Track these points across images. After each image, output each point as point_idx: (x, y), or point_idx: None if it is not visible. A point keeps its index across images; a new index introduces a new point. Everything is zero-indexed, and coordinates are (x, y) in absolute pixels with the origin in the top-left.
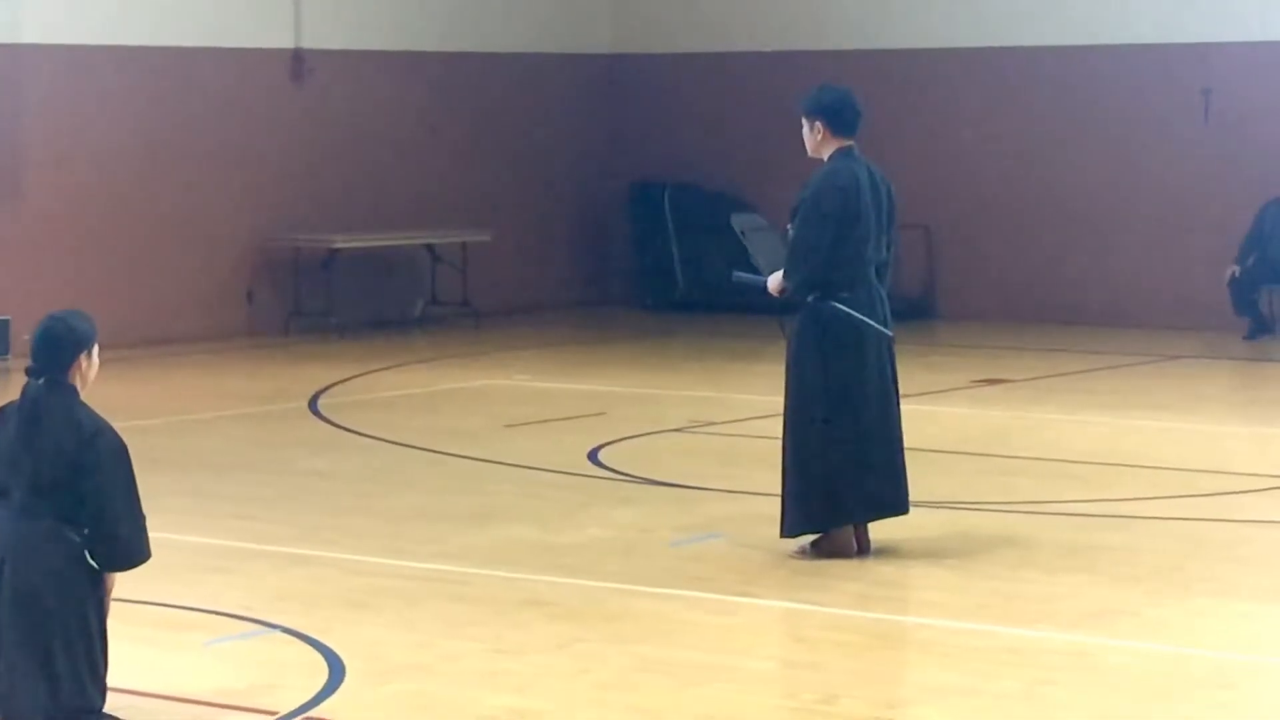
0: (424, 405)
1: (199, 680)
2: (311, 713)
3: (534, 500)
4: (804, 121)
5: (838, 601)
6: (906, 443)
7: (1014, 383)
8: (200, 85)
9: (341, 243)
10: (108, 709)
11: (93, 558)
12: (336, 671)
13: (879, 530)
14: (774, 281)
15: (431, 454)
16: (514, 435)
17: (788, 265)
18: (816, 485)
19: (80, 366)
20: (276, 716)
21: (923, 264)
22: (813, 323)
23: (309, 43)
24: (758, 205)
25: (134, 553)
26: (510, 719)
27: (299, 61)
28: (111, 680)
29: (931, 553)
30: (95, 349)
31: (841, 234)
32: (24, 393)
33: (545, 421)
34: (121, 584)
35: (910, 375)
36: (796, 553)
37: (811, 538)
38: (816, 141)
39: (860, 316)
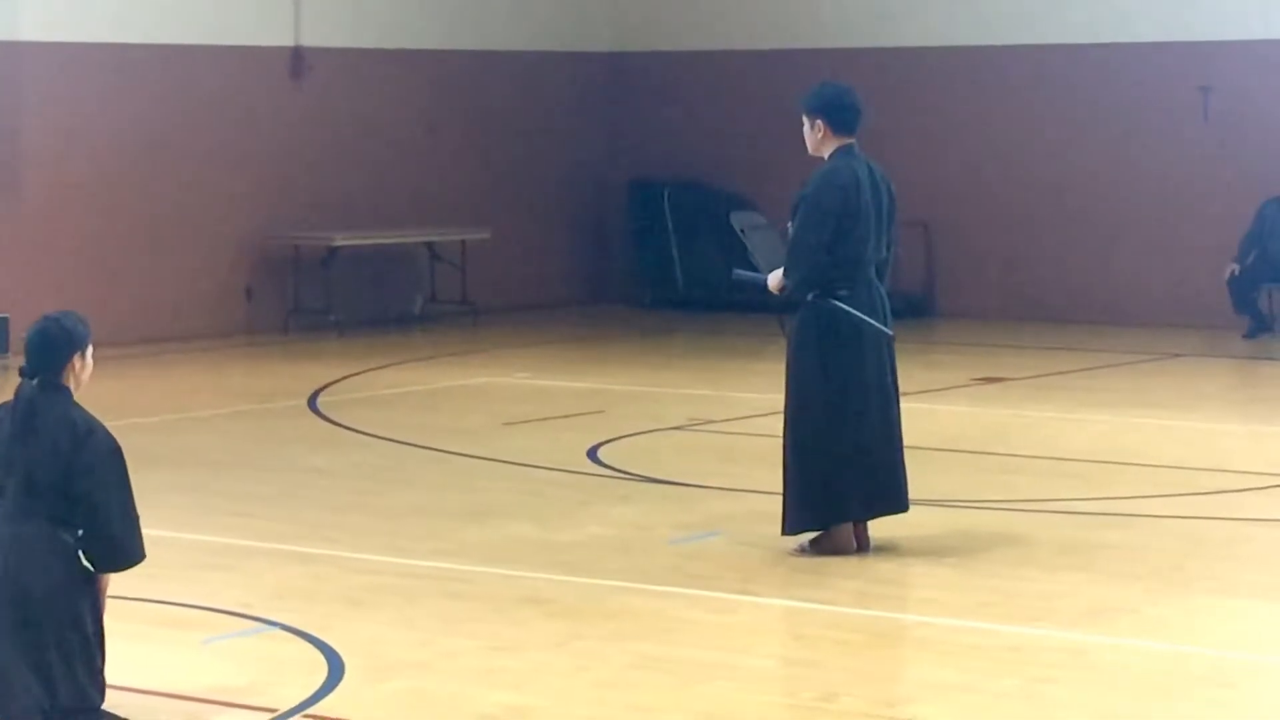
0: (423, 403)
1: (198, 677)
2: (310, 710)
3: (533, 498)
4: (804, 119)
5: (837, 599)
6: (906, 441)
7: (1013, 381)
8: (200, 83)
9: (341, 240)
10: (106, 706)
11: (87, 559)
12: (335, 669)
13: (878, 528)
14: (774, 279)
15: (431, 452)
16: (513, 433)
17: (787, 263)
18: (816, 483)
19: (74, 367)
20: (275, 714)
21: (922, 262)
22: (812, 321)
23: (309, 41)
24: (757, 203)
25: (128, 554)
26: (509, 716)
27: (299, 59)
28: (110, 678)
29: (931, 551)
30: (89, 350)
31: (841, 232)
32: (17, 393)
33: (544, 419)
34: (120, 581)
35: (910, 373)
36: (796, 550)
37: (811, 535)
38: (817, 140)
39: (860, 315)
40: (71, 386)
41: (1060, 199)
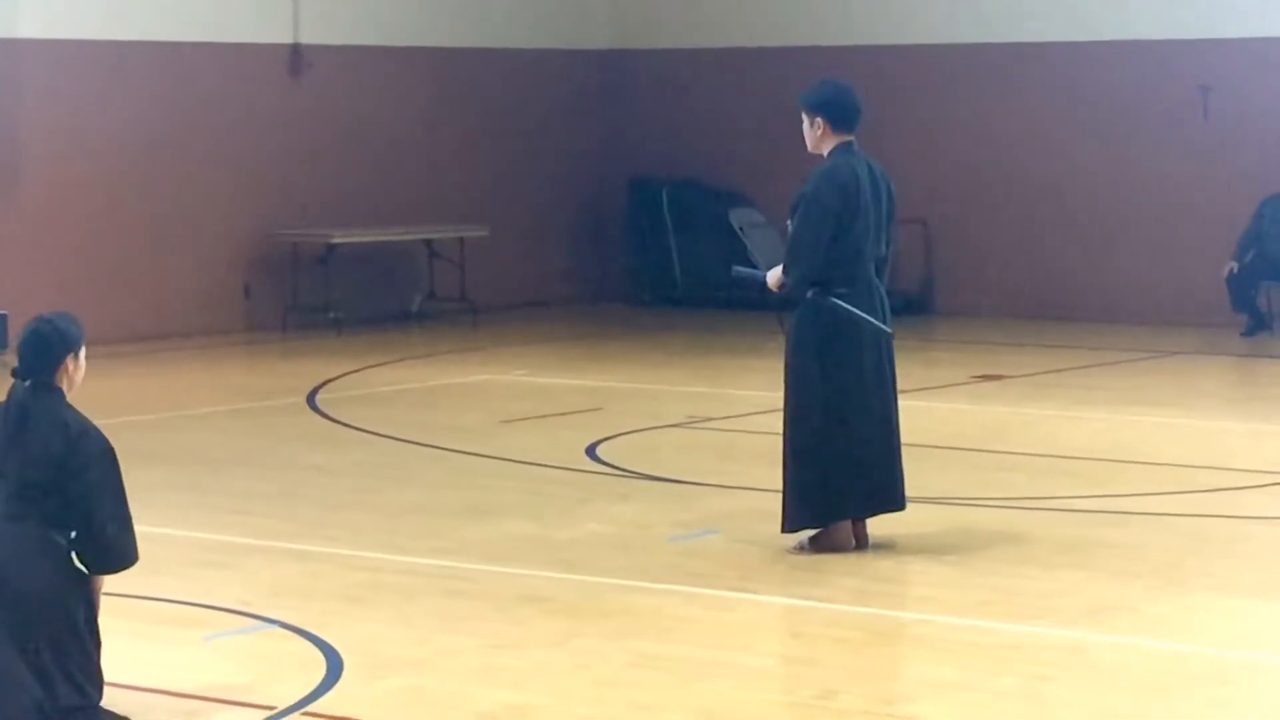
0: (422, 400)
1: (196, 675)
2: (309, 708)
3: (532, 496)
4: (804, 117)
5: (836, 597)
6: (905, 438)
7: (1012, 378)
8: (199, 81)
9: (339, 238)
10: (104, 704)
11: (80, 560)
12: (334, 666)
13: (877, 526)
14: (773, 277)
15: (429, 449)
16: (512, 431)
17: (787, 261)
18: (815, 480)
19: (67, 369)
20: (273, 711)
21: (921, 260)
22: (811, 318)
23: (307, 38)
24: (756, 201)
25: (122, 555)
26: (508, 714)
27: (297, 57)
28: (108, 675)
29: (929, 548)
30: (82, 351)
31: (841, 230)
32: (10, 395)
33: (543, 417)
34: (118, 579)
35: (908, 371)
36: (795, 548)
37: (811, 533)
38: (816, 137)
39: (859, 313)
40: (64, 388)
41: (1059, 197)
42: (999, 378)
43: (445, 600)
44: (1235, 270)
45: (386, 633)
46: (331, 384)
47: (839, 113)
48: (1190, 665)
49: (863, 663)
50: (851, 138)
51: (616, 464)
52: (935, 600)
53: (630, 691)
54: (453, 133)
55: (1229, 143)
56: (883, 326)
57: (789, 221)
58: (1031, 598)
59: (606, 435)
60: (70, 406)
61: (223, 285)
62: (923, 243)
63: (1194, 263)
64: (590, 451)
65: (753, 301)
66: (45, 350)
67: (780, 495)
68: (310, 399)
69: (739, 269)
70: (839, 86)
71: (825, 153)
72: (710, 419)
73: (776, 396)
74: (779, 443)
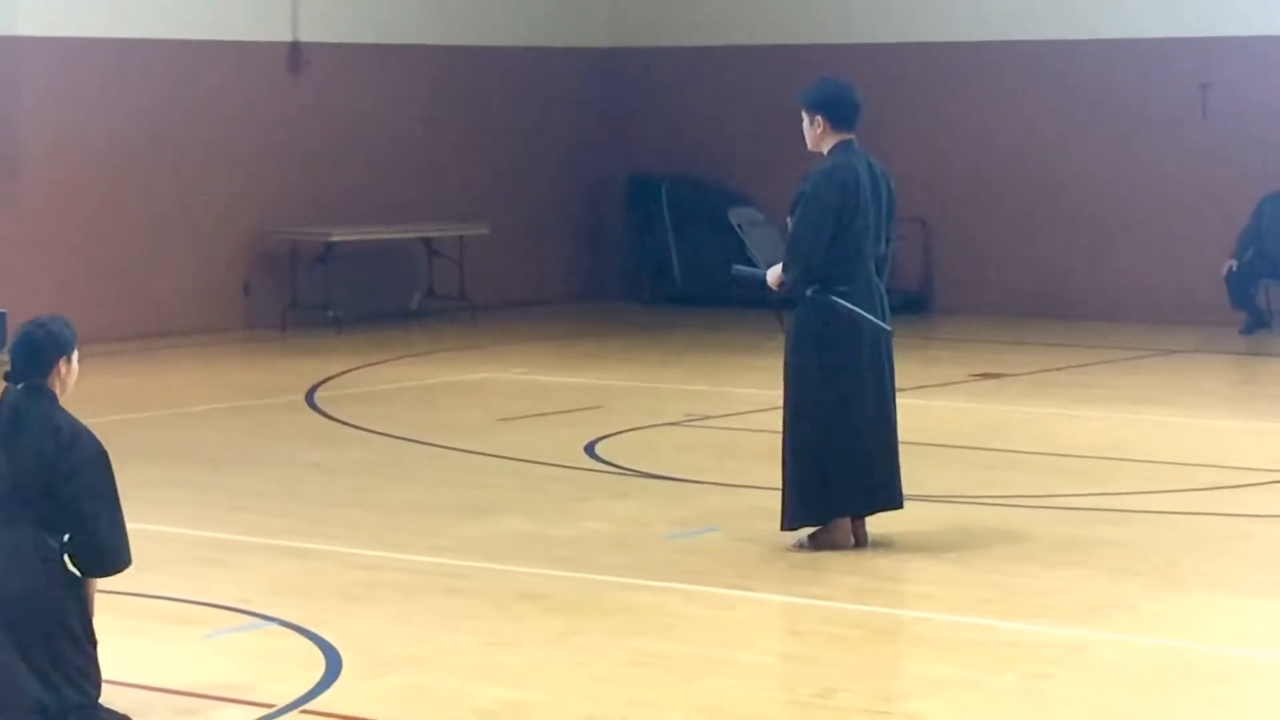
0: (421, 398)
1: (195, 673)
2: (307, 705)
3: (531, 494)
4: (804, 115)
5: (835, 595)
6: (903, 436)
7: (1011, 377)
8: (198, 79)
9: (338, 236)
10: (103, 701)
11: (73, 563)
12: (333, 664)
13: (876, 524)
14: (772, 275)
15: (428, 447)
16: (511, 429)
17: (786, 259)
18: (815, 478)
19: (60, 372)
20: (273, 709)
21: (920, 258)
22: (811, 316)
23: (307, 36)
24: (756, 199)
25: (114, 558)
26: (507, 712)
27: (297, 54)
28: (107, 673)
29: (929, 547)
30: (75, 355)
31: (840, 228)
32: (3, 398)
33: (542, 415)
34: (118, 577)
35: (907, 369)
36: (794, 546)
37: (810, 531)
38: (816, 135)
39: (858, 311)
40: (57, 391)
41: (1059, 195)
42: (998, 376)
43: (444, 598)
44: (1234, 268)
45: (385, 630)
46: (330, 382)
47: (839, 111)
48: (1189, 663)
49: (862, 660)
50: (851, 136)
51: (615, 462)
52: (934, 598)
53: (629, 689)
54: (452, 131)
55: (1229, 141)
56: (882, 325)
57: (788, 220)
58: (1030, 596)
59: (605, 433)
60: (63, 410)
61: (222, 283)
62: (922, 241)
63: (1193, 261)
64: (589, 449)
65: (752, 300)
66: (37, 353)
67: (779, 493)
68: (309, 397)
69: (739, 267)
70: (839, 85)
71: (825, 151)
72: (709, 417)
73: (776, 395)
74: (778, 441)
